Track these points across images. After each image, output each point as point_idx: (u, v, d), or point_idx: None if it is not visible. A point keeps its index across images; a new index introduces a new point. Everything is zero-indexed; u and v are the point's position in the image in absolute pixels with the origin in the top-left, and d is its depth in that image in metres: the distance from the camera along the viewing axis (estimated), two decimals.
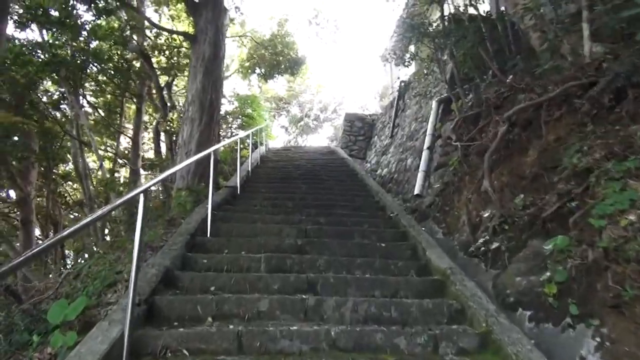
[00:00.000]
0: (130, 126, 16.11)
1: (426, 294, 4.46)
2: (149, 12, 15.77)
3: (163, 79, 15.16)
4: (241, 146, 16.80)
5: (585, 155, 4.89)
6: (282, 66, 18.17)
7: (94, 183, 13.22)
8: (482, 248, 5.84)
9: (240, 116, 18.07)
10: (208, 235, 5.71)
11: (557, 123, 6.05)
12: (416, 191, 8.84)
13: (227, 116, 17.77)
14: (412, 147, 11.69)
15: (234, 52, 21.26)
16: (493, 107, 7.61)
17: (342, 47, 70.35)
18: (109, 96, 13.82)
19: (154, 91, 14.69)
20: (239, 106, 18.80)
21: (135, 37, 12.97)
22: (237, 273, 4.68)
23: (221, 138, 17.61)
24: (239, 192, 8.42)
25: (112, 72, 12.10)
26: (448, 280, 4.55)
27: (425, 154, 9.59)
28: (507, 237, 5.56)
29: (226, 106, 19.18)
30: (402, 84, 15.61)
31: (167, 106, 12.92)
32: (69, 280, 4.84)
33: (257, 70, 18.86)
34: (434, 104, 10.59)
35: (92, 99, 14.37)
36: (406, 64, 10.09)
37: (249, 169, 10.73)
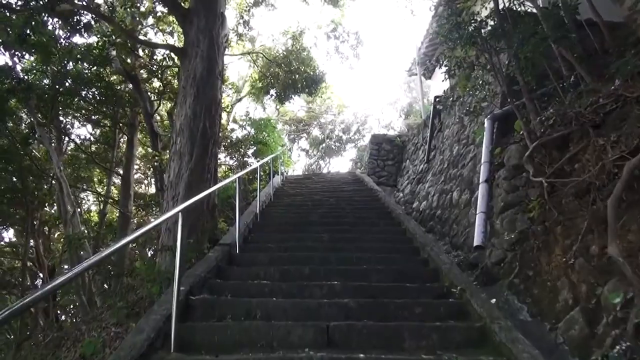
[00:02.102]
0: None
1: None
2: (150, 31, 14.07)
3: (164, 106, 13.30)
4: (254, 176, 14.80)
5: None
6: (299, 85, 16.15)
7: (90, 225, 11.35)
8: None
9: (253, 143, 16.08)
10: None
11: None
12: (476, 241, 6.54)
13: (239, 143, 15.81)
14: (459, 176, 9.43)
15: (244, 72, 19.44)
16: (591, 127, 5.36)
17: (364, 62, 67.38)
18: (96, 127, 12.03)
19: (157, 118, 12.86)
20: (254, 132, 16.84)
21: (127, 57, 11.13)
22: None
23: (227, 171, 15.63)
24: (237, 250, 6.28)
25: (96, 98, 10.25)
26: None
27: (482, 188, 7.30)
28: None
29: (238, 132, 17.30)
30: (438, 99, 13.38)
31: (158, 137, 10.96)
32: None
33: (271, 92, 16.91)
34: (486, 122, 8.31)
35: (81, 131, 12.66)
36: (452, 72, 7.88)
37: (257, 211, 8.61)
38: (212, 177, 7.69)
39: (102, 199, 12.42)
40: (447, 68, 7.81)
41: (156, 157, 10.29)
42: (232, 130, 17.09)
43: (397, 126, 30.69)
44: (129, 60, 11.03)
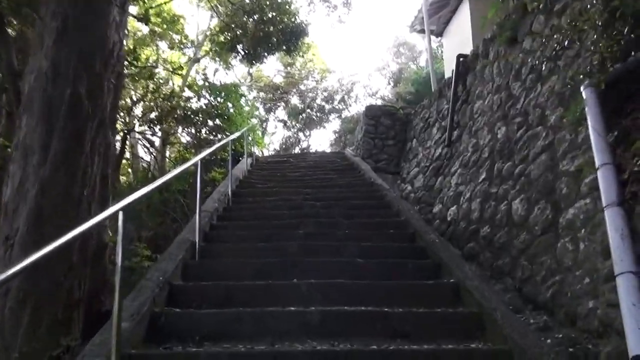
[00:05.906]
0: None
1: None
2: None
3: None
4: (219, 156, 11.16)
5: None
6: (274, 39, 12.28)
7: None
8: None
9: (214, 115, 12.33)
10: None
11: None
12: (635, 350, 3.10)
13: (194, 116, 12.02)
14: (519, 175, 5.95)
15: (205, 26, 15.37)
16: None
17: (354, 17, 59.24)
18: None
19: None
20: (214, 101, 12.96)
21: None
22: None
23: (183, 151, 11.95)
24: None
25: None
26: None
27: (612, 219, 3.77)
28: None
29: (195, 102, 13.40)
30: (462, 59, 9.80)
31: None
32: None
33: (238, 48, 13.01)
34: (586, 93, 4.64)
35: None
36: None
37: (197, 241, 5.04)
38: (96, 194, 4.00)
39: None
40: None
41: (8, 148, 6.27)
42: (188, 99, 13.24)
43: (386, 95, 27.34)
44: None
